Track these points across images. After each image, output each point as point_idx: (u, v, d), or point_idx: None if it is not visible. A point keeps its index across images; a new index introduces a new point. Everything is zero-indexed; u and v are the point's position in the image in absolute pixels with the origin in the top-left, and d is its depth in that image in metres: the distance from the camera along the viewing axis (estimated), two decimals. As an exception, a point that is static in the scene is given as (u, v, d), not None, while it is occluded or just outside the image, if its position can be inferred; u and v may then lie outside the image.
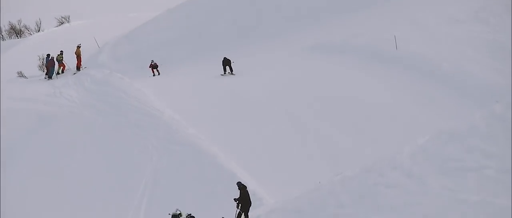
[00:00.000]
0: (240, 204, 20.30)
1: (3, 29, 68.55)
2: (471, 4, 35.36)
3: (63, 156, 30.27)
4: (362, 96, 30.51)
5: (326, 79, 32.57)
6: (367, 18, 38.59)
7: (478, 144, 16.10)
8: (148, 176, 27.41)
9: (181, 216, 19.92)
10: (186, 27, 48.19)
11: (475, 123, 16.97)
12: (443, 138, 17.20)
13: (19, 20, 68.75)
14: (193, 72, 38.42)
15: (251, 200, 20.42)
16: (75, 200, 27.29)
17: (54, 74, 40.33)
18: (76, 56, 40.59)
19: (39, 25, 67.51)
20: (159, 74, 39.39)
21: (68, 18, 66.25)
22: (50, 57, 40.76)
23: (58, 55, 40.74)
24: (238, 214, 20.36)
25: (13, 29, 68.43)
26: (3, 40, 66.61)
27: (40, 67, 46.65)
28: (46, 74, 40.86)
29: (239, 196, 20.32)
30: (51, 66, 40.49)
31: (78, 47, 40.96)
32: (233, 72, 36.32)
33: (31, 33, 66.52)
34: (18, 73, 43.78)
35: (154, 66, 39.63)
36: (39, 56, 47.30)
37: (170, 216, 19.96)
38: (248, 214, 20.27)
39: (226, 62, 36.48)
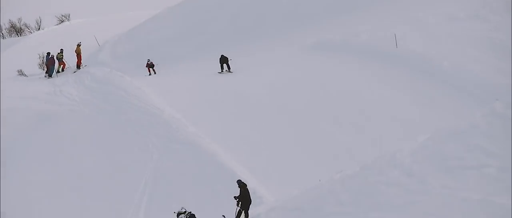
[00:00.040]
0: (240, 202, 20.30)
1: (3, 27, 68.39)
2: (471, 2, 35.29)
3: (63, 154, 30.27)
4: (362, 95, 30.51)
5: (326, 78, 32.53)
6: (367, 17, 38.51)
7: (479, 142, 16.06)
8: (148, 174, 27.41)
9: (186, 214, 19.76)
10: (186, 25, 48.11)
11: (475, 121, 16.93)
12: (443, 137, 17.17)
13: (19, 19, 68.54)
14: (193, 70, 38.36)
15: (251, 198, 20.43)
16: (75, 199, 27.29)
17: (54, 72, 40.37)
18: (76, 54, 40.65)
19: (39, 24, 67.34)
20: (155, 73, 39.34)
21: (68, 17, 66.07)
22: (50, 56, 40.79)
23: (58, 53, 40.78)
24: (238, 212, 20.35)
25: (13, 28, 68.26)
26: (3, 38, 66.47)
27: (40, 65, 46.58)
28: (46, 72, 40.85)
29: (239, 194, 20.32)
30: (51, 64, 40.52)
31: (78, 45, 41.01)
32: (230, 70, 36.26)
33: (31, 31, 66.33)
34: (18, 71, 43.70)
35: (150, 65, 39.57)
36: (39, 54, 47.21)
37: (175, 214, 19.89)
38: (248, 212, 20.27)
39: (224, 60, 36.39)
